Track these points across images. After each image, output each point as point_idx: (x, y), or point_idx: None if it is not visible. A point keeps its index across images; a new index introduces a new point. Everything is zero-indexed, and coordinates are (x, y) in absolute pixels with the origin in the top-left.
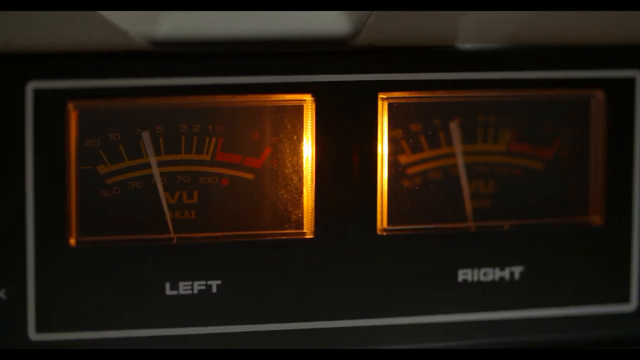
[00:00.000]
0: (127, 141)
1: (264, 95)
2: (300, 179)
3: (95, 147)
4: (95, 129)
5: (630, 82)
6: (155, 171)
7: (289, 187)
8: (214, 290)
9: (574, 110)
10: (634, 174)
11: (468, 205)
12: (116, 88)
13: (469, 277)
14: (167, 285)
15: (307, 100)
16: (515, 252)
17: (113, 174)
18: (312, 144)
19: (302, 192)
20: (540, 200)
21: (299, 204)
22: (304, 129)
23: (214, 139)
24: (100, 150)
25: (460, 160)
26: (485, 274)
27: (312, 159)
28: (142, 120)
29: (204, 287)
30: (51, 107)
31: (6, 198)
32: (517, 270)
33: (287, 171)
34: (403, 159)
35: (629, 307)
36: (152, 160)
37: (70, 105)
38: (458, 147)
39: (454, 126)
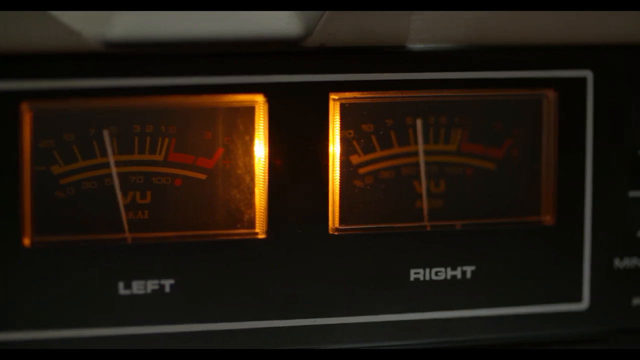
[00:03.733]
0: (81, 142)
1: (216, 96)
2: (253, 179)
3: (49, 148)
4: (49, 129)
5: (582, 81)
6: (114, 170)
7: (241, 187)
8: (167, 289)
9: (525, 109)
10: (585, 174)
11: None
12: (70, 89)
13: (420, 277)
14: (121, 284)
15: (259, 101)
16: (467, 252)
17: (67, 175)
18: (264, 144)
19: (254, 192)
20: (491, 199)
21: (251, 204)
22: (256, 130)
23: (167, 140)
24: (55, 151)
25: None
26: (437, 273)
27: (264, 159)
28: (96, 120)
29: (157, 287)
30: (5, 108)
31: None
32: (469, 269)
33: (239, 171)
34: (355, 159)
35: (581, 306)
36: (111, 159)
37: (25, 106)
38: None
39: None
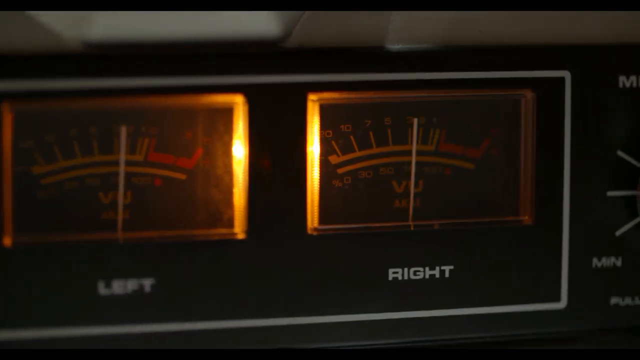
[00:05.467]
0: (62, 142)
1: (196, 96)
2: (232, 179)
3: (30, 148)
4: (30, 130)
5: (560, 81)
6: (121, 169)
7: (221, 187)
8: (147, 289)
9: (503, 110)
10: (563, 173)
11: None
12: (51, 90)
13: (399, 276)
14: (101, 284)
15: (239, 101)
16: (446, 251)
17: (48, 175)
18: (244, 145)
19: (233, 192)
20: (470, 199)
21: (230, 204)
22: (236, 130)
23: (147, 140)
24: (36, 151)
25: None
26: (415, 273)
27: (244, 159)
28: (77, 121)
29: (137, 287)
30: None
31: None
32: (447, 269)
33: (219, 171)
34: (333, 159)
35: (559, 305)
36: (122, 157)
37: (5, 107)
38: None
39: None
